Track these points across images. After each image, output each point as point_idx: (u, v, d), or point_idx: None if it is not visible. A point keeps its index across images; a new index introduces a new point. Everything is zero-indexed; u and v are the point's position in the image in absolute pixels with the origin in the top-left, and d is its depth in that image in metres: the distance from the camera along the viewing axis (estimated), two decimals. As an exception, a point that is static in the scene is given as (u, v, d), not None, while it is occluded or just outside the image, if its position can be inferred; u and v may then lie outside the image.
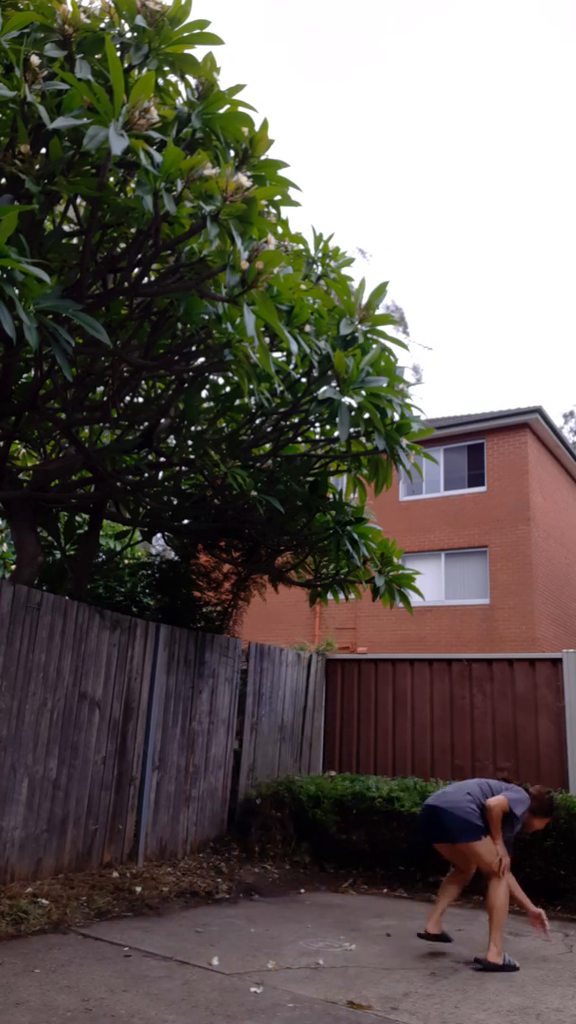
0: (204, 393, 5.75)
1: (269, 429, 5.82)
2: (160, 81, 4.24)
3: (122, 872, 5.95)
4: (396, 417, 5.16)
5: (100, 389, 5.90)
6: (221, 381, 5.77)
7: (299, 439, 5.97)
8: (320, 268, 5.83)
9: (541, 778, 7.29)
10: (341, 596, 7.42)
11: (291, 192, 4.60)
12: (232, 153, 4.38)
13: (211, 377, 5.62)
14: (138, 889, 5.62)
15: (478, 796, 4.74)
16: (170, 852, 6.69)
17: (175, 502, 6.64)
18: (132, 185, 3.91)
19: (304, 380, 5.22)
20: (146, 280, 4.42)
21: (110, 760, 6.17)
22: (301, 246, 5.74)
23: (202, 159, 3.60)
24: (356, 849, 6.95)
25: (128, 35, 4.01)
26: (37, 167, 3.67)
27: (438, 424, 17.78)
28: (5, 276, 3.10)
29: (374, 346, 5.00)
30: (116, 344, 4.48)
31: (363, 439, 5.52)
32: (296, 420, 5.63)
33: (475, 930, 5.28)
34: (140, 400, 6.09)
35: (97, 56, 3.92)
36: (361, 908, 5.87)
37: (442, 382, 49.36)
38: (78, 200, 4.69)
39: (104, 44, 3.70)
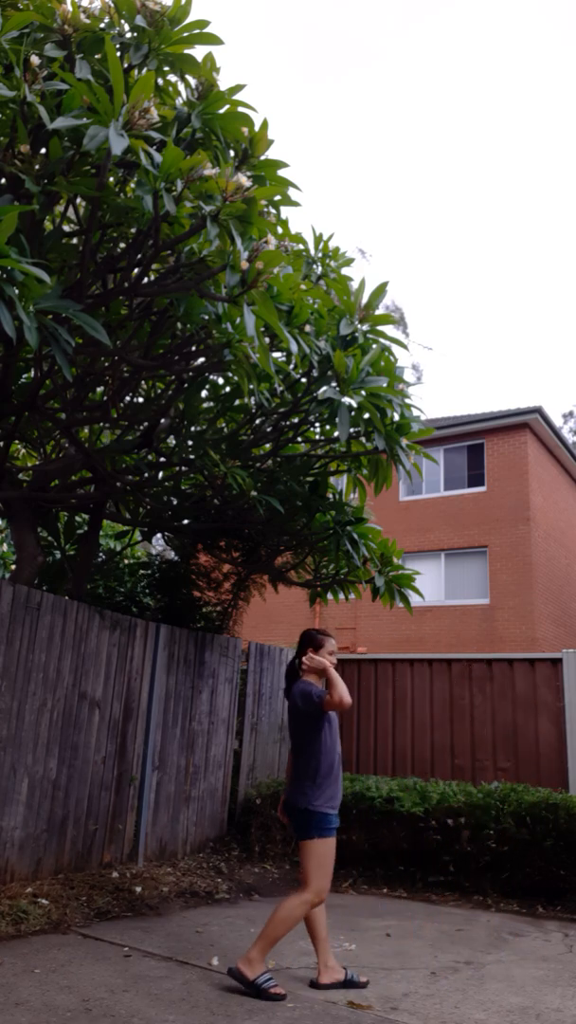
0: (204, 393, 5.75)
1: (269, 429, 5.81)
2: (160, 81, 4.24)
3: (122, 872, 5.95)
4: (396, 417, 5.15)
5: (100, 389, 5.90)
6: (221, 381, 5.77)
7: (299, 439, 5.97)
8: (320, 268, 5.83)
9: (541, 778, 7.30)
10: (341, 596, 7.42)
11: (291, 192, 4.60)
12: (232, 153, 4.38)
13: (211, 377, 5.61)
14: (138, 889, 5.62)
15: (305, 764, 3.96)
16: (170, 852, 6.69)
17: (175, 502, 6.64)
18: (132, 185, 3.90)
19: (304, 380, 5.21)
20: (146, 280, 4.42)
21: (110, 760, 6.17)
22: (301, 246, 5.73)
23: (202, 159, 3.60)
24: (356, 849, 6.94)
25: (128, 35, 4.01)
26: (37, 167, 3.66)
27: (438, 424, 17.78)
28: (5, 276, 3.10)
29: (374, 346, 4.99)
30: (116, 344, 4.48)
31: (363, 439, 5.52)
32: (296, 420, 5.63)
33: (475, 929, 5.29)
34: (140, 400, 6.09)
35: (97, 56, 3.92)
36: (361, 908, 5.87)
37: (442, 382, 49.39)
38: (78, 200, 4.69)
39: (104, 44, 3.70)
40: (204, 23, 3.98)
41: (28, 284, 3.21)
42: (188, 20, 3.97)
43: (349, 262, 5.93)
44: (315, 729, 3.99)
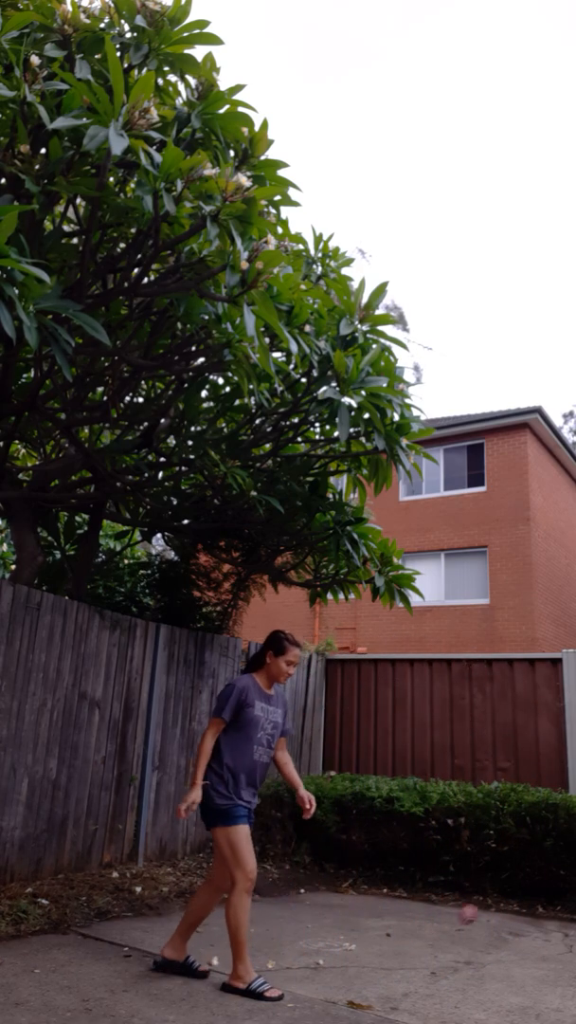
0: (204, 393, 5.75)
1: (269, 429, 5.81)
2: (160, 81, 4.24)
3: (122, 872, 5.95)
4: (396, 417, 5.15)
5: (100, 389, 5.90)
6: (221, 381, 5.77)
7: (299, 439, 5.97)
8: (320, 268, 5.83)
9: (541, 778, 7.30)
10: (341, 596, 7.42)
11: (291, 192, 4.60)
12: (232, 153, 4.38)
13: (211, 377, 5.61)
14: (138, 889, 5.62)
15: (215, 757, 3.91)
16: (170, 852, 6.69)
17: (175, 502, 6.64)
18: (132, 185, 3.90)
19: (304, 380, 5.21)
20: (146, 280, 4.42)
21: (110, 760, 6.17)
22: (301, 246, 5.73)
23: (202, 159, 3.60)
24: (356, 849, 6.95)
25: (128, 35, 4.01)
26: (37, 167, 3.66)
27: (438, 424, 17.78)
28: (5, 276, 3.10)
29: (374, 346, 4.99)
30: (116, 344, 4.48)
31: (363, 439, 5.52)
32: (296, 420, 5.63)
33: (475, 929, 5.28)
34: (140, 400, 6.09)
35: (97, 56, 3.92)
36: (361, 908, 5.87)
37: (442, 382, 49.39)
38: (78, 200, 4.69)
39: (104, 44, 3.70)
40: (204, 23, 3.97)
41: (28, 284, 3.20)
42: (188, 20, 3.97)
43: (349, 262, 5.92)
44: (228, 729, 3.96)
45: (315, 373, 5.08)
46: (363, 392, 4.83)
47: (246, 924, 3.74)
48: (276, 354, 5.24)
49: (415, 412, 5.29)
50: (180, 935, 3.98)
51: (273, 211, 4.95)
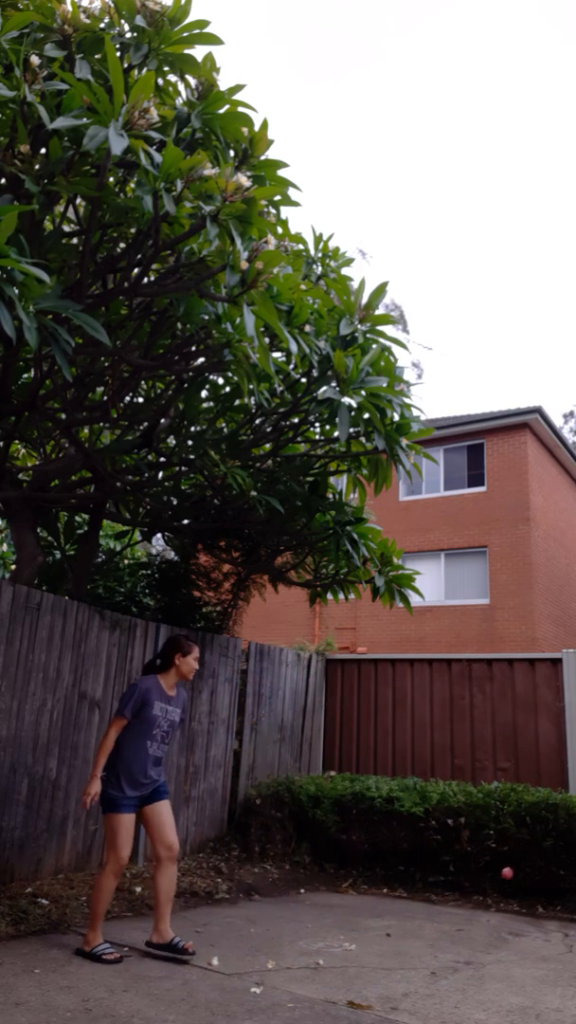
0: (204, 393, 5.75)
1: (269, 429, 5.81)
2: (160, 81, 4.24)
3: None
4: (396, 417, 5.15)
5: (100, 389, 5.90)
6: (221, 381, 5.77)
7: (299, 439, 5.97)
8: (320, 268, 5.83)
9: (541, 778, 7.30)
10: (341, 596, 7.42)
11: (291, 192, 4.60)
12: (232, 153, 4.38)
13: (211, 377, 5.61)
14: (138, 889, 5.62)
15: (115, 750, 4.37)
16: (170, 852, 6.68)
17: (175, 502, 6.64)
18: (132, 185, 3.90)
19: (304, 380, 5.21)
20: (146, 280, 4.42)
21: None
22: (301, 246, 5.73)
23: (202, 159, 3.60)
24: (356, 849, 6.95)
25: (128, 35, 4.01)
26: (37, 167, 3.66)
27: (438, 424, 17.78)
28: (5, 276, 3.10)
29: (374, 346, 4.99)
30: (116, 344, 4.48)
31: (363, 439, 5.52)
32: (296, 420, 5.63)
33: (475, 929, 5.29)
34: (140, 400, 6.09)
35: (97, 56, 3.92)
36: (361, 908, 5.87)
37: (442, 382, 49.39)
38: (78, 200, 4.69)
39: (104, 44, 3.70)
40: (204, 23, 3.97)
41: (28, 284, 3.20)
42: (188, 20, 3.97)
43: (349, 262, 5.92)
44: (127, 725, 4.37)
45: (315, 373, 5.08)
46: (363, 392, 4.83)
47: (106, 902, 4.21)
48: (276, 354, 5.23)
49: (415, 412, 5.29)
50: (159, 919, 4.32)
51: (273, 211, 4.95)
